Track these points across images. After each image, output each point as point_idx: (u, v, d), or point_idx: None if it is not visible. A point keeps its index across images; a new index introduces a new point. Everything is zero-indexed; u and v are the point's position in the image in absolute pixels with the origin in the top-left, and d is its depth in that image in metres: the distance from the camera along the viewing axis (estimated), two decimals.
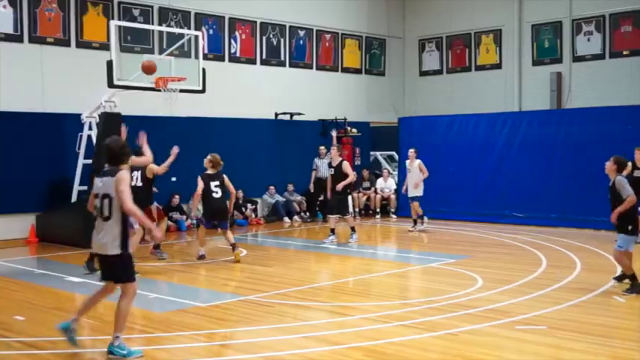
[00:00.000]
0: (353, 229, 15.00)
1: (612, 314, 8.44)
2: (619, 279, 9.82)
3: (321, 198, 16.06)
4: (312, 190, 19.62)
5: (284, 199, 19.82)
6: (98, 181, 6.76)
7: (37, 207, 15.79)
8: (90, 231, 14.60)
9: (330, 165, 15.16)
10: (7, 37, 15.80)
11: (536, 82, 21.17)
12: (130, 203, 6.55)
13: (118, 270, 6.76)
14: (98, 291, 7.06)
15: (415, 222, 16.79)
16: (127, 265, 6.81)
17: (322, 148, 19.02)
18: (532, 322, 8.04)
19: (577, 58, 20.56)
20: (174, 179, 16.31)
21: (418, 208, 16.71)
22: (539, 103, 20.77)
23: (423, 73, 24.07)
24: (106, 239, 6.64)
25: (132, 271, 6.92)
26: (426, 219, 17.03)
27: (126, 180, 6.60)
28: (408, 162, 17.02)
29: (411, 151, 16.92)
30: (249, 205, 19.12)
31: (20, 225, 15.64)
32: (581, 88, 20.30)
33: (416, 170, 16.64)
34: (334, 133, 16.14)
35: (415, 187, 16.56)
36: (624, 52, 19.65)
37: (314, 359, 6.80)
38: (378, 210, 20.53)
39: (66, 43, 16.70)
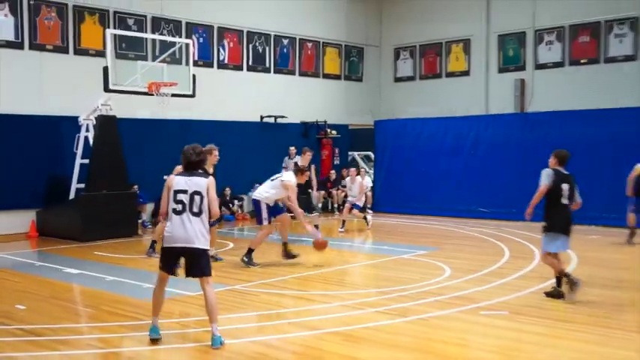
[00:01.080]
0: (317, 226, 14.69)
1: (568, 300, 8.47)
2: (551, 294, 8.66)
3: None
4: None
5: None
6: (185, 180, 6.68)
7: (37, 203, 15.72)
8: (89, 226, 14.66)
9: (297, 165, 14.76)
10: (9, 44, 15.70)
11: (502, 87, 21.27)
12: (217, 207, 6.82)
13: (204, 264, 6.70)
14: (159, 286, 6.84)
15: (344, 222, 16.47)
16: (209, 259, 6.83)
17: (292, 148, 18.87)
18: (495, 307, 8.14)
19: (539, 66, 20.70)
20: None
21: (358, 213, 16.51)
22: (504, 107, 20.87)
23: (397, 79, 24.13)
24: (197, 233, 6.58)
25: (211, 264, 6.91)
26: (370, 218, 16.69)
27: (214, 185, 6.80)
28: (349, 179, 16.81)
29: (353, 170, 16.92)
30: (235, 202, 19.15)
31: (21, 220, 15.57)
32: (542, 93, 20.43)
33: (357, 187, 16.42)
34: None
35: (358, 200, 16.39)
36: (582, 61, 19.81)
37: (296, 343, 6.86)
38: (335, 206, 20.58)
39: (64, 50, 16.61)
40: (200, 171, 6.84)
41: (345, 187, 20.74)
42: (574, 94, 19.40)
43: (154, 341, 6.69)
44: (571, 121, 17.00)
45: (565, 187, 8.52)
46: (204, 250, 6.67)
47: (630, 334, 7.06)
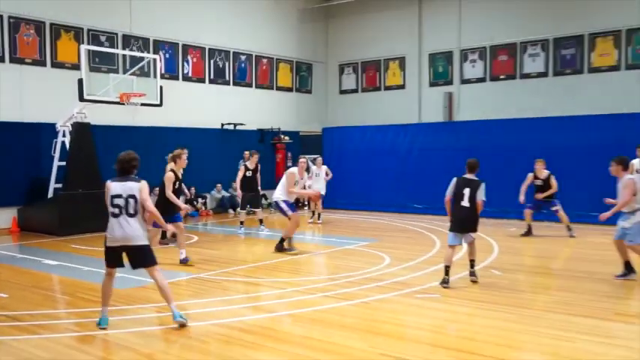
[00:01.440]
0: (261, 221, 14.93)
1: (491, 285, 8.67)
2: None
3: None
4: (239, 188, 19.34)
5: (229, 195, 19.70)
6: (118, 185, 6.55)
7: (18, 201, 15.37)
8: (66, 221, 14.36)
9: (247, 168, 14.71)
10: None
11: (432, 99, 21.50)
12: (152, 206, 6.64)
13: (147, 256, 6.62)
14: (107, 279, 6.71)
15: (314, 213, 16.71)
16: (152, 250, 6.72)
17: (247, 152, 18.72)
18: (428, 291, 8.23)
19: (464, 81, 20.99)
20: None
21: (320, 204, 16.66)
22: (434, 116, 21.14)
23: (342, 92, 24.18)
24: (135, 232, 6.49)
25: (154, 254, 6.79)
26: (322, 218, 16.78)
27: (147, 188, 6.65)
28: (315, 167, 16.90)
29: (319, 160, 17.07)
30: (199, 200, 18.96)
31: (4, 217, 15.21)
32: (467, 104, 20.75)
33: (323, 174, 16.60)
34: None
35: (323, 189, 16.49)
36: (501, 77, 20.18)
37: (253, 324, 6.82)
38: (306, 202, 20.58)
39: (42, 63, 16.19)
40: (133, 175, 6.71)
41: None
42: (494, 106, 19.73)
43: (104, 329, 6.57)
44: (492, 129, 17.36)
45: (466, 191, 8.55)
46: (144, 245, 6.58)
47: (541, 312, 7.23)
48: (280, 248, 11.56)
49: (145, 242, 6.60)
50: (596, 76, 18.30)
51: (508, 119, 17.78)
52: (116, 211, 6.52)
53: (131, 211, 6.50)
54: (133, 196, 6.52)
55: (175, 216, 10.36)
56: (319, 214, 16.62)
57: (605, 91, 17.85)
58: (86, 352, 5.98)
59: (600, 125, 15.76)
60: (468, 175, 8.69)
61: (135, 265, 6.69)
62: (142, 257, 6.62)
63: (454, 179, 8.72)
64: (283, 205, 11.46)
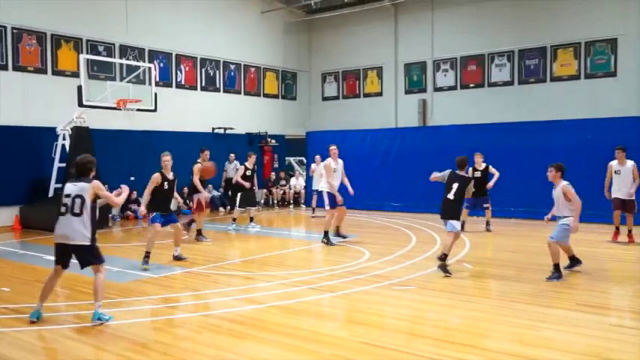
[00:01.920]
0: (252, 218, 14.80)
1: (463, 277, 8.66)
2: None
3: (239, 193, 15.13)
4: (222, 188, 19.26)
5: (219, 194, 19.56)
6: (71, 185, 6.41)
7: (20, 200, 15.14)
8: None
9: (247, 167, 14.42)
10: None
11: (408, 106, 21.56)
12: (114, 198, 6.55)
13: (89, 255, 6.40)
14: (52, 276, 6.55)
15: (314, 210, 16.67)
16: (96, 250, 6.48)
17: (232, 155, 18.59)
18: (405, 283, 8.19)
19: (437, 89, 21.06)
20: (132, 178, 15.85)
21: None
22: (409, 121, 21.18)
23: (324, 99, 24.16)
24: (78, 232, 6.27)
25: (101, 254, 6.54)
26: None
27: (100, 186, 6.46)
28: (314, 165, 16.79)
29: (318, 157, 16.86)
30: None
31: (7, 215, 14.97)
32: (439, 110, 20.82)
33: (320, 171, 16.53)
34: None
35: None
36: (471, 85, 20.27)
37: (242, 315, 6.74)
38: (291, 201, 20.53)
39: (44, 71, 15.96)
40: (90, 177, 6.50)
41: (283, 186, 20.72)
42: (464, 112, 19.84)
43: (33, 323, 6.40)
44: (462, 133, 17.34)
45: (455, 185, 8.73)
46: (86, 245, 6.34)
47: (509, 303, 7.21)
48: (328, 241, 11.65)
49: (87, 242, 6.33)
50: (558, 84, 18.44)
51: (477, 124, 17.82)
52: (63, 209, 6.37)
53: (76, 210, 6.30)
54: (80, 196, 6.33)
55: (171, 217, 10.13)
56: (314, 209, 16.61)
57: (566, 98, 17.99)
58: (84, 342, 5.87)
59: (561, 129, 15.82)
60: (459, 172, 8.90)
61: (82, 263, 6.49)
62: (86, 256, 6.40)
63: (448, 170, 8.97)
64: (326, 197, 11.84)
